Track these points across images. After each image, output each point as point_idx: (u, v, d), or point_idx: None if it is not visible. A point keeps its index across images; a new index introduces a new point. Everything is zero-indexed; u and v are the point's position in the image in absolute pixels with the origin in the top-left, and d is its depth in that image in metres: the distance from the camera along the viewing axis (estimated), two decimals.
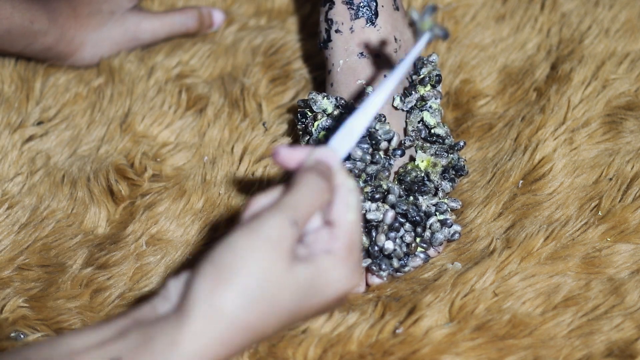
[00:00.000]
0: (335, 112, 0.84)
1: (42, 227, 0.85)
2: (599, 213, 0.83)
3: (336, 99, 0.85)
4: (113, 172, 0.88)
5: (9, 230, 0.85)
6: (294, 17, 1.01)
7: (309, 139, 0.85)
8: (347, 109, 0.84)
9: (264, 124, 0.92)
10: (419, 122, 0.86)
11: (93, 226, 0.86)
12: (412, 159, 0.85)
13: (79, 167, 0.89)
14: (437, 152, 0.85)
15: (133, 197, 0.88)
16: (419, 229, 0.82)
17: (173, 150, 0.91)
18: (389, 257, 0.81)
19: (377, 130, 0.83)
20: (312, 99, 0.85)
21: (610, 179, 0.85)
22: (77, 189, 0.88)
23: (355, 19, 0.86)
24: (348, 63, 0.86)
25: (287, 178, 0.89)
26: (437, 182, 0.83)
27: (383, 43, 0.86)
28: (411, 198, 0.82)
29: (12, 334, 0.78)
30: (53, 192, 0.88)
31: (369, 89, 0.85)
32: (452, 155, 0.85)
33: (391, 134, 0.83)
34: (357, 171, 0.82)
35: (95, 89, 0.95)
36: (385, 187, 0.81)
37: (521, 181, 0.87)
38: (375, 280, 0.81)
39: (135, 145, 0.91)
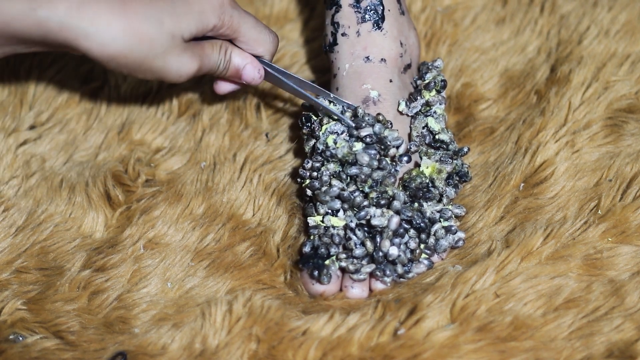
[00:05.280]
0: (346, 114, 0.87)
1: (40, 231, 0.88)
2: (599, 212, 0.86)
3: (343, 105, 0.88)
4: (110, 177, 0.91)
5: (5, 233, 0.88)
6: (292, 22, 1.04)
7: (315, 143, 0.88)
8: (353, 113, 0.87)
9: (266, 135, 0.95)
10: (423, 128, 0.89)
11: (91, 230, 0.89)
12: (417, 165, 0.88)
13: (78, 173, 0.92)
14: (441, 159, 0.87)
15: (129, 202, 0.90)
16: (423, 236, 0.84)
17: (166, 155, 0.94)
18: (393, 263, 0.84)
19: (387, 136, 0.86)
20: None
21: (610, 180, 0.88)
22: (75, 193, 0.90)
23: (361, 22, 0.89)
24: (354, 67, 0.89)
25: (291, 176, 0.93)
26: (442, 188, 0.86)
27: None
28: (416, 204, 0.85)
29: (11, 336, 0.80)
30: (51, 196, 0.90)
31: (374, 93, 0.89)
32: (456, 161, 0.88)
33: (400, 141, 0.86)
34: (363, 177, 0.84)
35: (90, 94, 0.98)
36: (390, 193, 0.84)
37: (522, 184, 0.89)
38: (378, 285, 0.84)
39: (131, 152, 0.94)
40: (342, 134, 0.87)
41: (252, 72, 0.87)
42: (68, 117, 0.97)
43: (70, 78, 0.99)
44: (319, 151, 0.87)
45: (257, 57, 0.88)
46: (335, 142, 0.86)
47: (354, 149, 0.86)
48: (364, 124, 0.86)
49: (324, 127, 0.88)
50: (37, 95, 0.98)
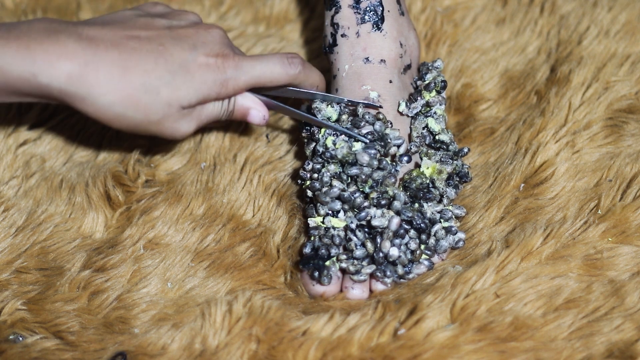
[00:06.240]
0: (343, 116, 0.88)
1: (40, 231, 0.88)
2: (599, 212, 0.86)
3: (340, 106, 0.88)
4: (110, 178, 0.91)
5: (5, 233, 0.88)
6: (292, 23, 1.05)
7: (315, 145, 0.88)
8: (352, 112, 0.88)
9: (267, 136, 0.96)
10: (423, 129, 0.89)
11: (91, 231, 0.89)
12: (417, 165, 0.88)
13: (78, 173, 0.92)
14: (442, 159, 0.88)
15: (129, 203, 0.91)
16: (423, 236, 0.85)
17: (166, 155, 0.94)
18: (393, 263, 0.84)
19: (388, 134, 0.86)
20: (317, 107, 0.89)
21: (610, 180, 0.88)
22: (75, 194, 0.91)
23: (361, 23, 0.89)
24: (354, 68, 0.89)
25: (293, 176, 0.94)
26: (442, 189, 0.87)
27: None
28: (416, 205, 0.85)
29: (11, 337, 0.81)
30: (51, 196, 0.91)
31: (374, 94, 0.89)
32: (456, 161, 0.88)
33: (401, 140, 0.86)
34: (364, 177, 0.85)
35: None
36: (391, 193, 0.84)
37: (522, 184, 0.90)
38: (379, 286, 0.84)
39: (131, 153, 0.94)
40: (341, 134, 0.87)
41: (257, 118, 0.88)
42: (68, 117, 0.97)
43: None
44: (319, 153, 0.87)
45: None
46: (334, 143, 0.87)
47: (353, 148, 0.86)
48: (363, 123, 0.87)
49: (322, 130, 0.88)
50: None
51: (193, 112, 0.84)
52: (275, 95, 0.89)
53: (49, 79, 0.78)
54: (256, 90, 0.88)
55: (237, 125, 0.96)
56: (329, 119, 0.88)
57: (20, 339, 0.81)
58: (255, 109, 0.88)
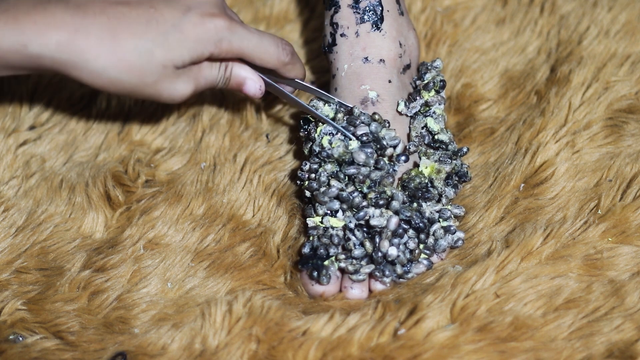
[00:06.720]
0: (339, 115, 0.88)
1: (40, 231, 0.88)
2: (599, 212, 0.86)
3: (337, 105, 0.89)
4: (110, 178, 0.91)
5: (5, 233, 0.88)
6: (292, 23, 1.05)
7: (311, 145, 0.88)
8: (350, 114, 0.88)
9: (267, 136, 0.96)
10: (422, 128, 0.89)
11: (91, 231, 0.89)
12: (416, 165, 0.88)
13: (78, 173, 0.92)
14: (440, 159, 0.88)
15: (129, 203, 0.91)
16: (422, 236, 0.85)
17: (166, 155, 0.94)
18: (392, 263, 0.84)
19: (384, 136, 0.86)
20: (314, 105, 0.89)
21: (610, 180, 0.88)
22: (75, 194, 0.91)
23: (360, 23, 0.89)
24: (353, 68, 0.89)
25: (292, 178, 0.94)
26: (441, 188, 0.86)
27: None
28: (415, 204, 0.85)
29: (11, 337, 0.81)
30: (51, 196, 0.91)
31: (373, 93, 0.88)
32: (455, 161, 0.88)
33: (397, 141, 0.86)
34: (361, 177, 0.84)
35: (90, 95, 0.98)
36: (389, 193, 0.84)
37: (522, 184, 0.90)
38: (378, 286, 0.84)
39: (131, 153, 0.94)
40: (337, 134, 0.87)
41: (253, 88, 0.88)
42: (68, 117, 0.97)
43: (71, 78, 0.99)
44: (316, 152, 0.87)
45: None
46: (330, 143, 0.87)
47: (349, 147, 0.86)
48: (358, 122, 0.86)
49: (319, 129, 0.88)
50: (37, 95, 0.99)
51: (189, 73, 0.83)
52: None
53: (39, 49, 0.78)
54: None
55: (237, 125, 0.96)
56: (326, 117, 0.88)
57: (20, 339, 0.81)
58: (251, 80, 0.88)
